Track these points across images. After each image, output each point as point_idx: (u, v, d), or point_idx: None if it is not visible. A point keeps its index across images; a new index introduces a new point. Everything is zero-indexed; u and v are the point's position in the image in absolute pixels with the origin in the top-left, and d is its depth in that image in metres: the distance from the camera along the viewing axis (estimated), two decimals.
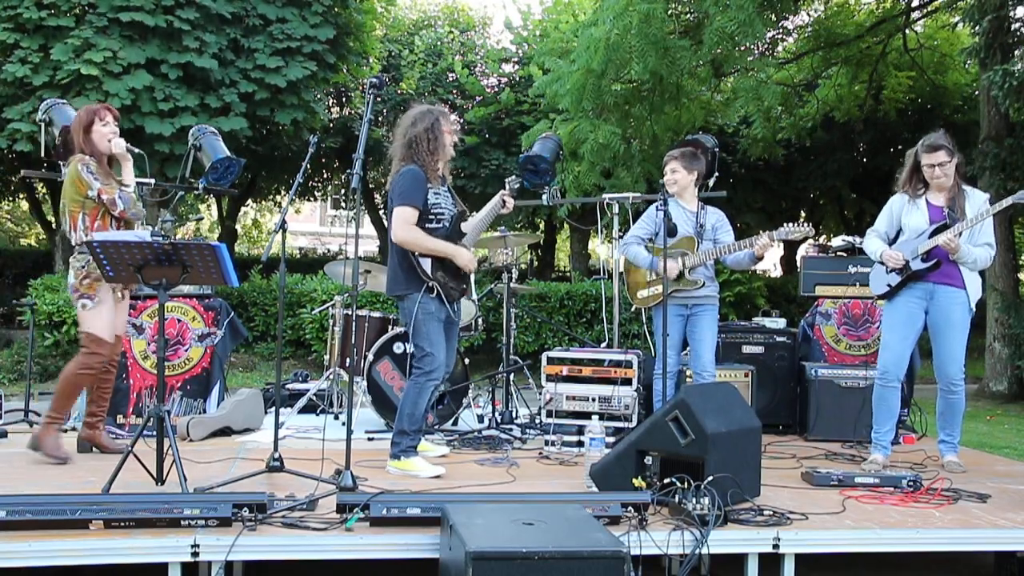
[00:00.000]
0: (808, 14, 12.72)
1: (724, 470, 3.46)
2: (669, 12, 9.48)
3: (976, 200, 4.49)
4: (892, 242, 4.65)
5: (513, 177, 4.80)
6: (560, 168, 9.91)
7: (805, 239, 5.20)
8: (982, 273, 4.65)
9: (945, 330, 4.49)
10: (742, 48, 10.19)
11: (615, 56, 9.28)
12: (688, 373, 5.07)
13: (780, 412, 5.80)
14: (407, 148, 4.32)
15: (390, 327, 5.90)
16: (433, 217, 4.31)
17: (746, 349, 5.89)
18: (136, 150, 4.55)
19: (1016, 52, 8.98)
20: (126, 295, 4.61)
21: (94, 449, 4.62)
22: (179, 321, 5.38)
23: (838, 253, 6.10)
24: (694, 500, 3.25)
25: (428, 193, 4.28)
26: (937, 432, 4.78)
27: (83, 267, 4.35)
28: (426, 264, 4.25)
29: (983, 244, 4.46)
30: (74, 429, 5.31)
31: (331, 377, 6.12)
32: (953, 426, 4.65)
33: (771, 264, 19.45)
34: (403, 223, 4.21)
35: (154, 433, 3.70)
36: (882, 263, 4.60)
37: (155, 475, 3.68)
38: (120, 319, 4.58)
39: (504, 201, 4.56)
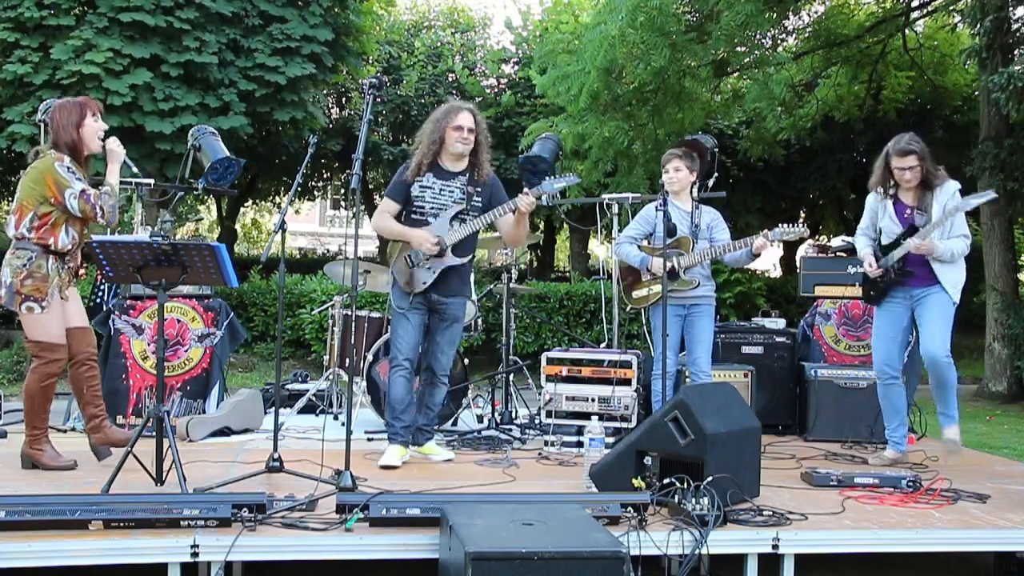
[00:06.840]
0: (808, 14, 12.71)
1: (723, 470, 3.46)
2: (675, 12, 9.49)
3: (945, 191, 4.50)
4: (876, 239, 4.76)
5: (548, 180, 4.55)
6: (562, 167, 9.88)
7: (802, 240, 5.22)
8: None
9: (925, 321, 4.53)
10: (746, 47, 10.20)
11: (625, 51, 9.27)
12: (686, 373, 5.08)
13: (780, 412, 5.79)
14: (416, 142, 4.49)
15: (389, 327, 5.89)
16: (415, 210, 4.42)
17: (746, 349, 5.89)
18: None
19: (1016, 52, 8.97)
20: (73, 283, 4.19)
21: (112, 450, 4.22)
22: (179, 322, 5.37)
23: (837, 253, 6.10)
24: (693, 500, 3.26)
25: (414, 186, 4.38)
26: (937, 416, 4.65)
27: (24, 266, 3.94)
28: (397, 256, 4.45)
29: (958, 236, 4.47)
30: (73, 429, 5.31)
31: (330, 377, 6.12)
32: (947, 401, 4.52)
33: (770, 264, 19.43)
34: (377, 212, 4.52)
35: (153, 433, 3.70)
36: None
37: (154, 475, 3.68)
38: (75, 309, 4.18)
39: (516, 206, 4.34)
